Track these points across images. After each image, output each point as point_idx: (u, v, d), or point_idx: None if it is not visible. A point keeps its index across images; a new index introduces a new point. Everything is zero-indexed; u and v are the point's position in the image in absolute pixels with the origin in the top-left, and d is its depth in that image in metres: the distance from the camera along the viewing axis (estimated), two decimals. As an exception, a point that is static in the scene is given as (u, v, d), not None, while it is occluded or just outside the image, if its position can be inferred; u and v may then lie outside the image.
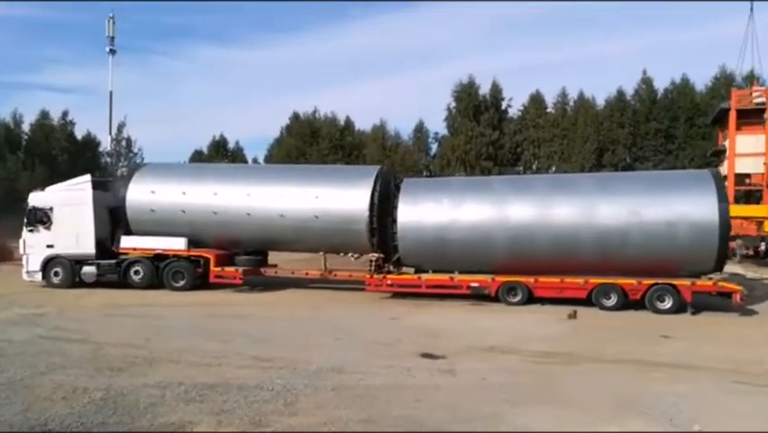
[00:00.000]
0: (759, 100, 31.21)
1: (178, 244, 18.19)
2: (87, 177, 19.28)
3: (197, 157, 54.24)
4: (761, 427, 6.90)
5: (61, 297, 16.71)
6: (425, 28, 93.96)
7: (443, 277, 16.30)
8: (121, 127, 53.33)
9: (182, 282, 18.16)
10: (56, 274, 18.37)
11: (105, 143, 52.20)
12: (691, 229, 14.32)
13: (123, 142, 54.13)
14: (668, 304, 14.47)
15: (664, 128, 40.40)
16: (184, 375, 8.63)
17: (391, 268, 17.12)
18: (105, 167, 51.60)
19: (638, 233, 14.66)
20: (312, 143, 49.86)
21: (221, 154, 53.77)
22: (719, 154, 34.45)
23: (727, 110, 31.79)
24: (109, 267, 18.30)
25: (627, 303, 14.92)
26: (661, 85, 42.39)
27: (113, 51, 49.39)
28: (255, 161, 54.25)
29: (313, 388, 8.11)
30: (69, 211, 18.37)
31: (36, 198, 18.77)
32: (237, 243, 18.62)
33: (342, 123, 51.91)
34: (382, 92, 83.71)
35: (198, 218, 18.10)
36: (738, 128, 31.15)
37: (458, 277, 16.11)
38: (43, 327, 12.42)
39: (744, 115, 31.23)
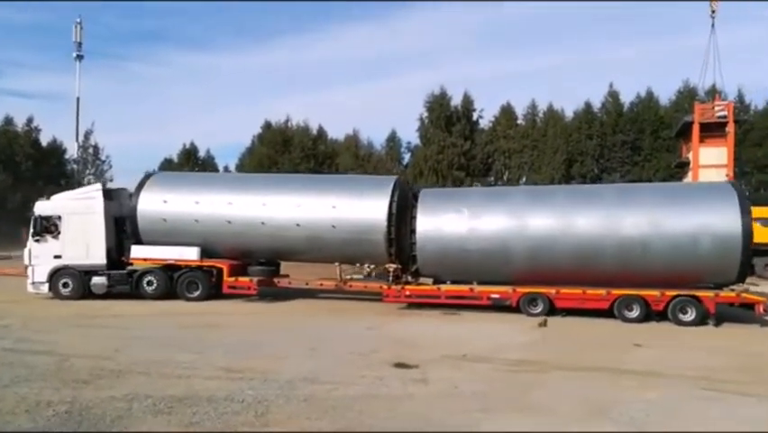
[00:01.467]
0: (721, 114, 32.28)
1: (190, 253, 17.89)
2: (98, 186, 19.02)
3: (167, 165, 53.47)
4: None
5: (30, 307, 16.27)
6: (398, 38, 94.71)
7: (462, 288, 16.15)
8: (88, 134, 52.42)
9: (197, 293, 17.88)
10: (65, 285, 17.80)
11: (72, 150, 51.18)
12: (715, 241, 14.31)
13: (91, 150, 53.12)
14: (691, 316, 14.38)
15: (631, 140, 41.35)
16: (153, 387, 8.44)
17: (409, 279, 16.99)
18: (71, 174, 50.53)
19: (661, 244, 14.61)
20: (284, 152, 49.59)
21: (191, 163, 53.06)
22: (683, 166, 35.43)
23: (691, 123, 32.78)
24: (120, 278, 17.91)
25: (648, 315, 14.76)
26: (627, 98, 43.51)
27: (80, 57, 48.64)
28: (226, 169, 53.78)
29: (285, 398, 8.02)
30: (79, 220, 17.89)
31: (42, 207, 18.19)
32: (250, 253, 18.35)
33: (314, 131, 51.82)
34: (355, 101, 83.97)
35: (212, 228, 17.86)
36: (701, 141, 32.13)
37: (478, 288, 15.97)
38: (8, 338, 12.03)
39: (706, 128, 32.24)
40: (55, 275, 17.77)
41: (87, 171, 51.18)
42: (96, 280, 17.77)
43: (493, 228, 15.97)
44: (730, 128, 31.85)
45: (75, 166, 51.88)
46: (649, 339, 12.65)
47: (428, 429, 7.01)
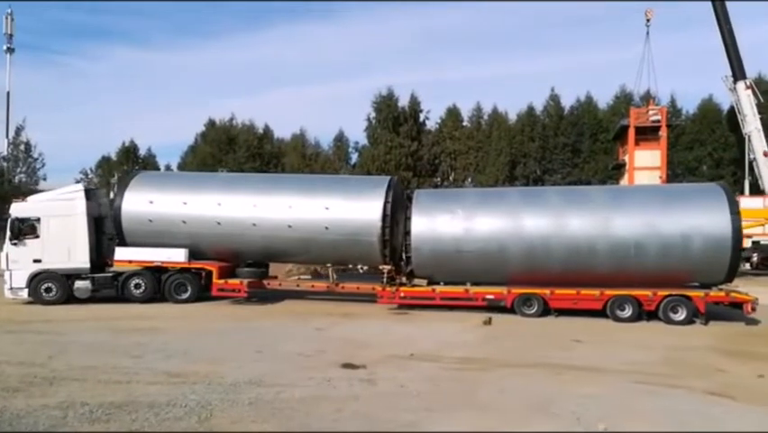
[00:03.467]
0: (655, 118, 33.77)
1: (178, 255, 17.46)
2: (79, 186, 18.28)
3: (105, 164, 51.57)
4: (661, 424, 7.38)
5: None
6: (345, 38, 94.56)
7: (457, 289, 16.15)
8: (19, 130, 49.76)
9: (185, 295, 17.50)
10: (48, 291, 17.10)
11: (1, 148, 48.55)
12: (706, 241, 14.66)
13: (22, 147, 50.54)
14: (681, 315, 14.71)
15: (571, 142, 42.65)
16: (89, 394, 8.13)
17: (404, 280, 16.85)
18: (0, 172, 47.93)
19: (654, 245, 14.87)
20: (228, 151, 48.65)
21: (131, 161, 51.33)
22: (620, 168, 36.84)
23: (627, 127, 34.15)
24: (105, 281, 17.36)
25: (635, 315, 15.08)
26: (567, 102, 44.78)
27: (11, 50, 46.26)
28: (168, 168, 52.30)
29: (229, 402, 7.87)
30: (59, 222, 17.22)
31: (19, 209, 17.42)
32: (240, 254, 17.95)
33: (260, 130, 51.05)
34: (302, 101, 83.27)
35: (200, 229, 17.45)
36: (636, 144, 33.53)
37: (473, 289, 16.00)
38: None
39: (641, 132, 33.68)
40: (35, 280, 17.06)
41: (18, 170, 48.64)
42: (79, 284, 17.18)
43: (489, 229, 15.95)
44: (663, 132, 33.36)
45: (5, 164, 49.23)
46: (587, 336, 13.10)
47: (374, 429, 7.03)
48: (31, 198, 18.16)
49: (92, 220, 17.72)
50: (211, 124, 51.65)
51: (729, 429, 7.21)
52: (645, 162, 33.23)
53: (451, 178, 45.26)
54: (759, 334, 13.73)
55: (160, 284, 17.51)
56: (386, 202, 16.68)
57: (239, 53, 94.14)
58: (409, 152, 44.11)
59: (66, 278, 17.17)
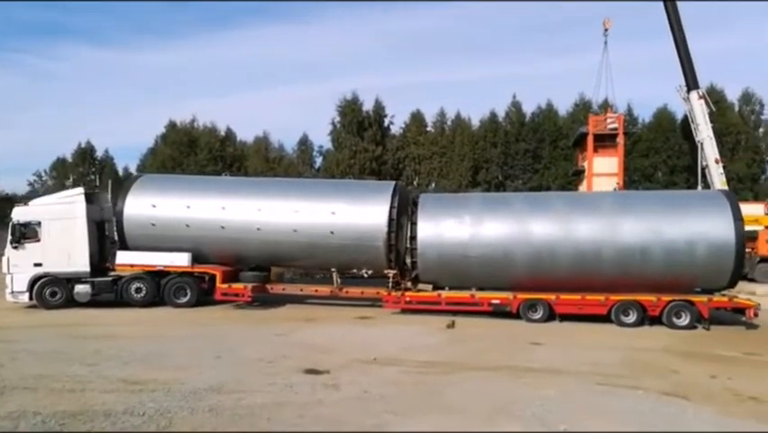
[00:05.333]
0: (612, 125, 34.71)
1: (180, 259, 17.26)
2: (79, 189, 18.04)
3: (60, 165, 50.04)
4: (620, 424, 7.54)
5: None
6: (309, 41, 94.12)
7: (463, 294, 16.06)
8: (-32, 130, 47.89)
9: (185, 299, 17.30)
10: (52, 294, 17.01)
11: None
12: (710, 247, 14.84)
13: (-29, 147, 48.62)
14: (685, 320, 14.82)
15: (532, 148, 43.39)
16: (42, 404, 7.85)
17: (408, 285, 16.73)
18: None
19: (659, 250, 14.99)
20: (189, 154, 47.82)
21: (87, 163, 49.96)
22: (579, 174, 37.69)
23: (586, 134, 34.99)
24: (105, 285, 17.25)
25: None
26: (528, 109, 45.56)
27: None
28: (126, 170, 51.08)
29: (189, 410, 7.71)
30: (60, 226, 17.10)
31: (21, 213, 17.36)
32: (243, 258, 17.75)
33: (222, 133, 50.35)
34: (265, 103, 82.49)
35: (204, 233, 17.28)
36: (595, 150, 34.38)
37: (479, 294, 15.93)
38: None
39: (600, 139, 34.55)
40: (37, 284, 16.93)
41: (-33, 170, 46.82)
42: (79, 288, 17.07)
43: (495, 234, 15.94)
44: (620, 139, 34.30)
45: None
46: (547, 338, 13.31)
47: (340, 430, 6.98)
48: (32, 202, 18.18)
49: (93, 224, 17.69)
50: (172, 125, 50.67)
51: (683, 429, 7.42)
52: (603, 169, 34.08)
53: (415, 183, 45.49)
54: (713, 336, 14.17)
55: (159, 288, 17.33)
56: (392, 207, 16.71)
57: (201, 53, 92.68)
58: (374, 156, 44.25)
59: (67, 282, 17.06)
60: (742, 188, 37.22)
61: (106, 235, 18.16)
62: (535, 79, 75.86)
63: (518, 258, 15.73)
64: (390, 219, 16.59)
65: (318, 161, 50.22)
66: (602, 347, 12.57)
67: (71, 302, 17.05)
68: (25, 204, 17.95)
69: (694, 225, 15.18)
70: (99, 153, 52.11)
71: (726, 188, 30.50)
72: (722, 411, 8.13)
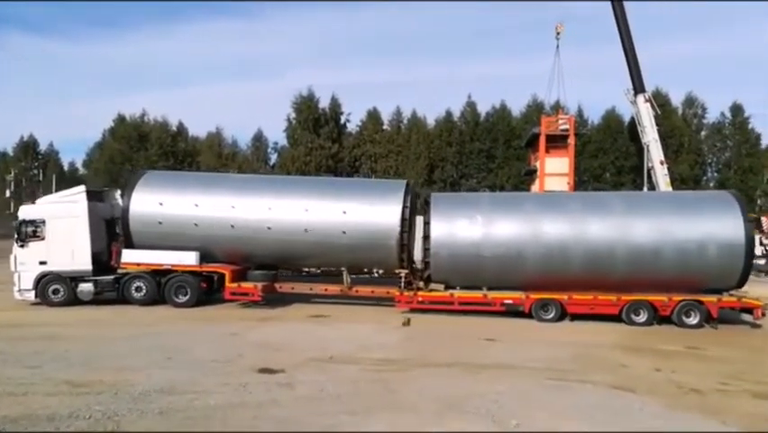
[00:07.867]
0: (564, 127, 35.53)
1: (188, 258, 16.85)
2: (82, 187, 17.46)
3: (1, 159, 47.88)
4: (570, 417, 7.73)
5: None
6: (263, 36, 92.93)
7: (475, 294, 15.96)
8: None
9: (185, 298, 16.90)
10: (55, 292, 16.84)
11: None
12: (720, 247, 15.01)
13: None
14: (695, 319, 14.98)
15: (486, 148, 44.11)
16: (-21, 409, 7.47)
17: (420, 284, 16.52)
18: None
19: (671, 250, 15.11)
20: (140, 149, 46.58)
21: (30, 157, 47.99)
22: (531, 174, 38.44)
23: (538, 135, 35.70)
24: (107, 284, 17.05)
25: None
26: (483, 109, 46.31)
27: None
28: (72, 165, 49.31)
29: (138, 412, 7.49)
30: (63, 225, 16.87)
31: (26, 211, 17.30)
32: (252, 258, 17.25)
33: (173, 128, 49.23)
34: (218, 98, 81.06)
35: (212, 232, 16.84)
36: (547, 151, 35.11)
37: (491, 294, 15.84)
38: None
39: (552, 140, 35.31)
40: (42, 282, 16.79)
41: None
42: (82, 286, 16.94)
43: (507, 234, 15.89)
44: (571, 140, 35.15)
45: None
46: (500, 335, 13.54)
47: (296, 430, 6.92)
48: (39, 201, 18.06)
49: (101, 222, 17.46)
50: (120, 119, 49.23)
51: (629, 422, 7.67)
52: (555, 169, 34.85)
53: (371, 180, 45.56)
54: (657, 332, 14.69)
55: (160, 287, 16.96)
56: (404, 207, 16.63)
57: (151, 46, 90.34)
58: (330, 153, 44.10)
59: (70, 280, 16.86)
60: (685, 189, 38.78)
61: (117, 233, 17.75)
62: (490, 81, 77.11)
63: (531, 258, 15.71)
64: (403, 219, 16.56)
65: (273, 157, 49.72)
66: (554, 344, 12.86)
67: (74, 301, 16.82)
68: (32, 202, 17.93)
69: (705, 225, 15.39)
70: (43, 147, 50.24)
71: (669, 189, 31.76)
72: (667, 404, 8.44)
